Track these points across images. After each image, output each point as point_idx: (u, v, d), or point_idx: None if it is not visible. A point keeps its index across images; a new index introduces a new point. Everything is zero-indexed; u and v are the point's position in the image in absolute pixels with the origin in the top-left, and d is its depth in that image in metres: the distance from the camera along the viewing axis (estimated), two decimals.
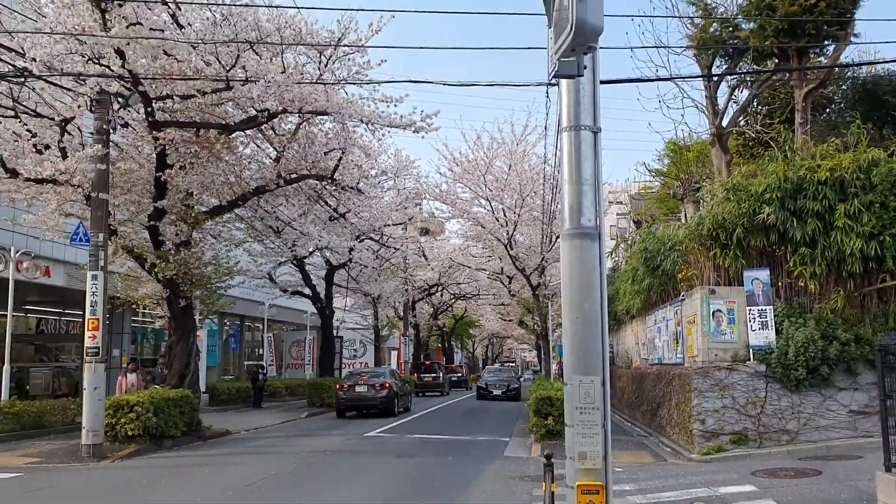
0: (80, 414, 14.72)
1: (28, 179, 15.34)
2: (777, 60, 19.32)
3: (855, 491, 9.54)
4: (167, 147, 16.47)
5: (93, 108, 14.61)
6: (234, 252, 22.36)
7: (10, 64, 13.83)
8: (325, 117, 17.66)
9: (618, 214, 50.48)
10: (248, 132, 17.94)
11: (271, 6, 15.45)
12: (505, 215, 31.77)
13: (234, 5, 14.35)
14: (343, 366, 38.49)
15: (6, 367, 17.76)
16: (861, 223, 13.17)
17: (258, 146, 19.70)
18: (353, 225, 24.48)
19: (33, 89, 15.02)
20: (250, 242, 24.78)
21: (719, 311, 13.92)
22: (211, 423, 18.28)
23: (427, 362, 45.04)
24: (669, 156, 32.28)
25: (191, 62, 14.81)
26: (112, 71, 13.97)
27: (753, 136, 21.61)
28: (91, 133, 14.90)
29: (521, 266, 32.52)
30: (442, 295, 46.43)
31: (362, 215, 24.67)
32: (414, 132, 16.58)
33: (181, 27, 14.60)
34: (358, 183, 20.70)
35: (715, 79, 20.32)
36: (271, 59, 15.25)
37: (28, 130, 15.23)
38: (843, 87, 22.68)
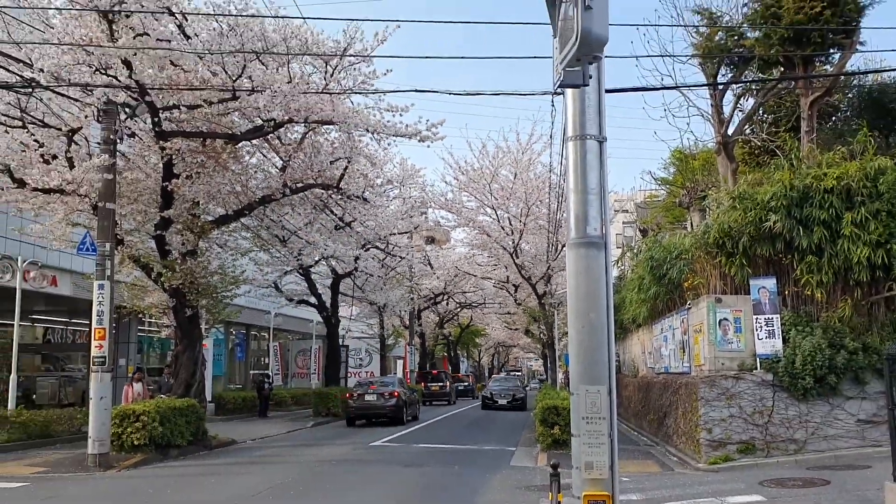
0: (86, 423, 14.72)
1: (35, 189, 15.41)
2: (782, 69, 19.31)
3: (863, 501, 9.48)
4: (174, 157, 16.54)
5: (100, 119, 14.67)
6: (239, 261, 22.41)
7: (17, 75, 13.92)
8: (331, 127, 17.74)
9: (623, 223, 50.41)
10: (254, 142, 18.01)
11: (277, 16, 15.53)
12: (510, 224, 31.78)
13: (241, 16, 14.42)
14: (349, 375, 38.46)
15: (13, 376, 17.81)
16: (868, 231, 13.12)
17: (264, 155, 19.76)
18: (358, 234, 24.50)
19: (41, 100, 15.11)
20: (256, 251, 24.83)
21: (726, 319, 13.87)
22: (217, 433, 18.27)
23: (434, 371, 45.00)
24: (675, 164, 32.29)
25: (197, 72, 14.89)
26: (119, 81, 14.05)
27: (759, 144, 21.59)
28: (98, 143, 14.96)
29: (527, 275, 32.50)
30: (448, 304, 46.43)
31: (368, 224, 24.70)
32: (419, 141, 16.61)
33: (188, 38, 14.69)
34: (363, 192, 20.75)
35: (720, 87, 20.33)
36: (277, 69, 15.32)
37: (35, 140, 15.32)
38: (849, 95, 22.65)
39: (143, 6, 13.55)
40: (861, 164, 13.74)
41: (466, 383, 52.58)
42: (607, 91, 4.68)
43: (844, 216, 13.30)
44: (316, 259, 27.13)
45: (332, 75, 15.89)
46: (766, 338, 13.40)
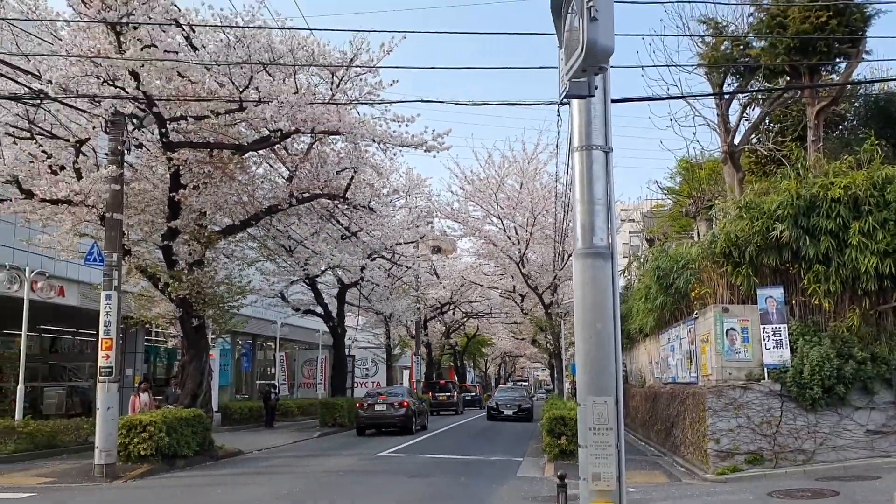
0: (93, 434, 14.73)
1: (43, 200, 15.49)
2: (788, 78, 19.31)
3: None
4: (181, 167, 16.61)
5: (107, 130, 14.75)
6: (246, 271, 22.47)
7: (26, 86, 14.02)
8: (338, 137, 17.78)
9: (630, 232, 50.44)
10: (260, 152, 18.08)
11: (284, 28, 15.61)
12: (517, 233, 31.78)
13: (248, 27, 14.49)
14: (355, 385, 38.44)
15: (20, 386, 17.86)
16: (875, 241, 13.06)
17: (271, 166, 19.84)
18: (364, 243, 24.54)
19: (49, 111, 15.21)
20: (263, 261, 24.88)
21: (733, 329, 13.82)
22: (223, 443, 18.26)
23: (442, 381, 45.01)
24: (681, 174, 32.25)
25: (204, 83, 14.96)
26: (127, 92, 14.13)
27: (766, 153, 21.57)
28: (106, 154, 15.04)
29: (534, 284, 32.46)
30: (454, 313, 46.37)
31: (374, 234, 24.74)
32: (425, 151, 16.65)
33: (195, 49, 14.76)
34: (370, 201, 20.77)
35: (726, 97, 20.32)
36: (284, 80, 15.39)
37: (43, 151, 15.41)
38: (856, 104, 22.61)
39: (150, 18, 13.63)
40: (868, 174, 13.69)
41: (474, 393, 52.52)
42: (613, 101, 4.68)
43: (852, 225, 13.25)
44: (322, 269, 27.16)
45: (338, 86, 15.95)
46: (773, 347, 13.33)
